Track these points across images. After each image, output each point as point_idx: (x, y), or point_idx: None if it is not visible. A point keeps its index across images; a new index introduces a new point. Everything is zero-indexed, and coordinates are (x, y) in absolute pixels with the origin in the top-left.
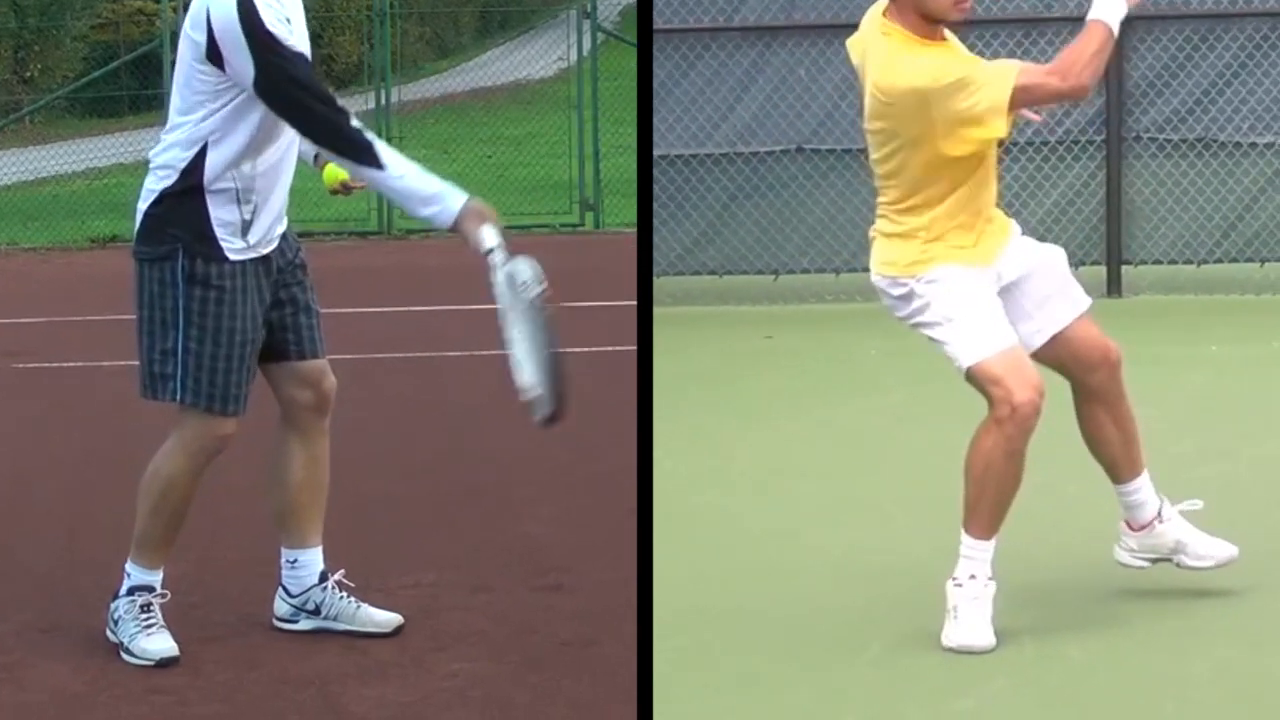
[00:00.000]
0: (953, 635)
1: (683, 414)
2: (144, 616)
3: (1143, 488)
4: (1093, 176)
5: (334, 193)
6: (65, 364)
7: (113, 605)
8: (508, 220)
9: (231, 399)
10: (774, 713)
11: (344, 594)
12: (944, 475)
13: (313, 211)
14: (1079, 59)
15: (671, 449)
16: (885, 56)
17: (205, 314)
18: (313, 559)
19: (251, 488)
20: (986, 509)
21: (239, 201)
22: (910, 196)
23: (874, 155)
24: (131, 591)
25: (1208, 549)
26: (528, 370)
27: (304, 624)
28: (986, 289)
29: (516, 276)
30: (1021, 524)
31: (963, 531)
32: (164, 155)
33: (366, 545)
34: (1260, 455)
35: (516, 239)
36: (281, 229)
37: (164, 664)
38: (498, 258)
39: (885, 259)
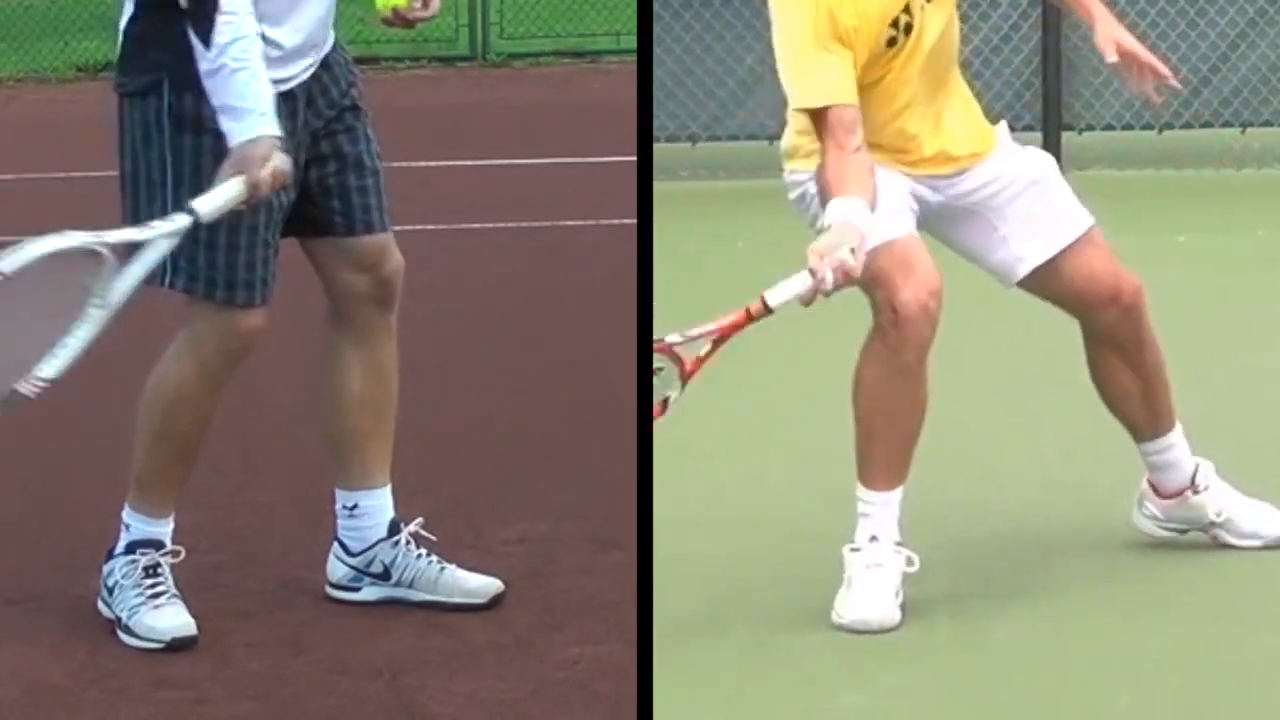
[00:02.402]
0: (845, 610)
1: None
2: (149, 583)
3: (1172, 446)
4: (1024, 16)
5: (386, 22)
6: None
7: (106, 567)
8: None
9: (242, 284)
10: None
11: (423, 551)
12: (842, 400)
13: (379, 29)
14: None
15: None
16: None
17: (200, 167)
18: (379, 504)
19: (295, 407)
20: (881, 449)
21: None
22: None
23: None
24: (132, 548)
25: (1257, 524)
26: (57, 363)
27: (368, 592)
28: (887, 182)
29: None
30: (931, 469)
31: (858, 483)
32: None
33: (455, 484)
34: (1241, 374)
35: None
36: (319, 54)
37: (177, 646)
38: (163, 230)
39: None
